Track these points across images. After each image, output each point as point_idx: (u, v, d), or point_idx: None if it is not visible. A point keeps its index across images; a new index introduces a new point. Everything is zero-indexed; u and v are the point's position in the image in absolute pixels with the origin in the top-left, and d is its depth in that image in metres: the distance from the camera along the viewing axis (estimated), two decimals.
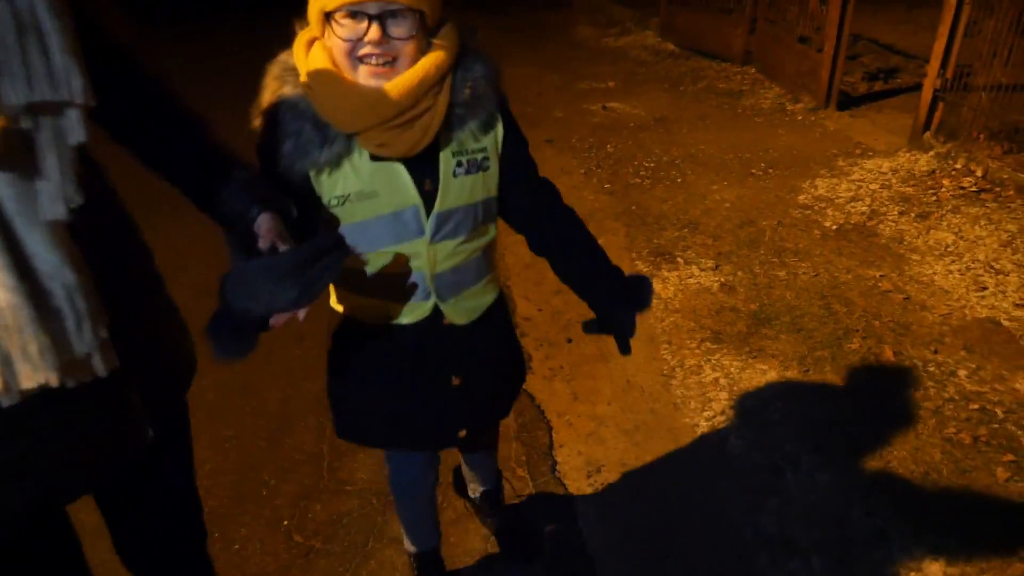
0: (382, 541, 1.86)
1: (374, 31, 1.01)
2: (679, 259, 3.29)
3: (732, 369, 2.50)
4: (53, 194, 0.72)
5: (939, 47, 4.24)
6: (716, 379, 2.45)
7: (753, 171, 4.32)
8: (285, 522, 1.92)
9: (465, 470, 1.81)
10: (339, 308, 1.30)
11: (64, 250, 0.74)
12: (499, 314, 1.40)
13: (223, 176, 0.98)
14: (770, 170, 4.33)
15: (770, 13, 6.72)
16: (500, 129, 1.19)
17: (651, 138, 5.02)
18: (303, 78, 1.07)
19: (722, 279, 3.10)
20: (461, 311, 1.28)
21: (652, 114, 5.62)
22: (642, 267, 3.23)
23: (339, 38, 1.03)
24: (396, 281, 1.20)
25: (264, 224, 0.95)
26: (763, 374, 2.47)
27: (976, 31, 4.17)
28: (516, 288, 3.13)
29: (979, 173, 3.83)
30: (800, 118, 5.36)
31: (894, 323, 2.77)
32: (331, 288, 1.29)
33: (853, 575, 1.73)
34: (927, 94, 4.35)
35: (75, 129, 0.73)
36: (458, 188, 1.17)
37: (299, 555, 1.82)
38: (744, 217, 3.69)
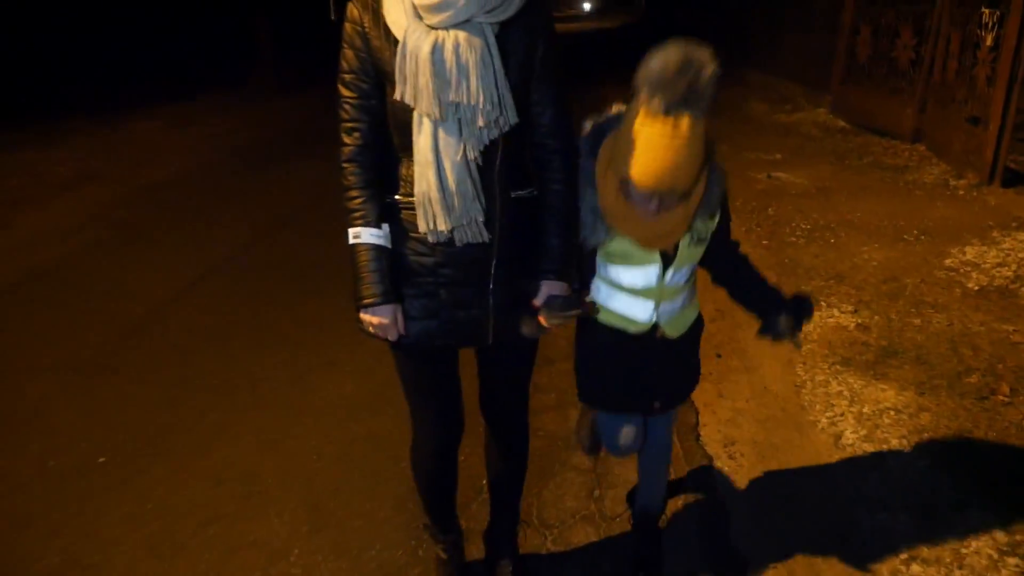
0: (565, 467, 2.56)
1: (655, 202, 1.56)
2: (822, 303, 3.78)
3: (856, 386, 2.99)
4: (465, 145, 1.51)
5: None
6: (840, 391, 2.95)
7: (905, 237, 4.70)
8: None
9: (639, 481, 2.21)
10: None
11: (467, 170, 1.51)
12: (696, 326, 1.94)
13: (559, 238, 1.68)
14: (922, 236, 4.69)
15: (941, 93, 7.00)
16: (718, 216, 1.76)
17: (811, 204, 5.50)
18: (605, 201, 1.66)
19: (859, 320, 3.57)
20: (674, 327, 1.84)
21: (815, 184, 6.09)
22: None
23: (626, 192, 1.59)
24: (635, 305, 1.79)
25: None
26: (882, 391, 2.93)
27: None
28: None
29: None
30: (962, 193, 5.62)
31: (1017, 367, 3.12)
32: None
33: (932, 529, 2.19)
34: None
35: (478, 121, 1.49)
36: (688, 254, 1.74)
37: None
38: (889, 274, 4.11)
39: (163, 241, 5.48)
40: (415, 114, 1.50)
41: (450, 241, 1.59)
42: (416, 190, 1.55)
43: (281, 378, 3.29)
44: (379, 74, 1.55)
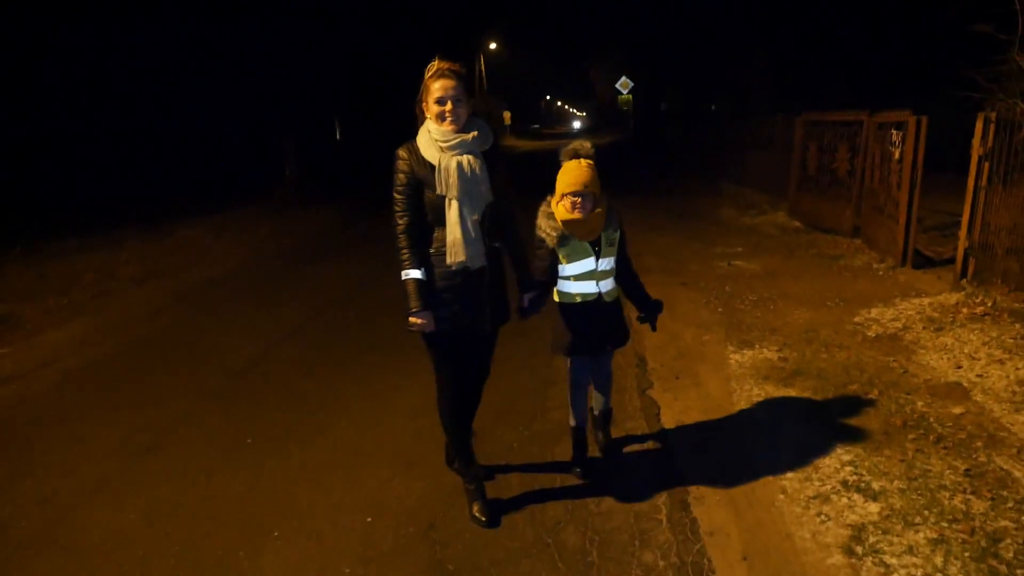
0: (566, 433, 3.80)
1: (579, 202, 3.10)
2: (756, 345, 5.10)
3: (769, 390, 4.27)
4: (477, 215, 2.90)
5: (966, 218, 5.93)
6: (759, 393, 4.24)
7: (828, 303, 6.07)
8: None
9: (593, 395, 3.64)
10: (556, 296, 3.34)
11: (476, 226, 2.88)
12: (619, 302, 3.42)
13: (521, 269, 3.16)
14: (841, 303, 6.05)
15: (870, 197, 8.56)
16: (620, 233, 3.30)
17: (759, 283, 6.90)
18: (557, 217, 3.16)
19: (781, 355, 4.88)
20: (609, 296, 3.32)
21: (765, 269, 7.52)
22: (731, 349, 5.06)
23: (565, 202, 3.14)
24: (585, 286, 3.26)
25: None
26: (787, 392, 4.22)
27: (994, 207, 5.83)
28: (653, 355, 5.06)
29: (988, 304, 5.37)
30: (881, 273, 7.03)
31: (888, 382, 4.40)
32: (556, 294, 3.34)
33: (801, 457, 3.43)
34: (960, 252, 5.98)
35: (481, 201, 2.91)
36: (606, 251, 3.25)
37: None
38: (809, 327, 5.45)
39: (237, 317, 6.82)
40: (447, 200, 2.84)
41: (464, 272, 2.87)
42: (448, 241, 2.85)
43: (364, 396, 4.56)
44: (419, 184, 2.86)
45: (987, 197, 5.85)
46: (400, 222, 2.88)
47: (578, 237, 3.18)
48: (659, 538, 2.91)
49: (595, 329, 3.31)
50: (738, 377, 4.55)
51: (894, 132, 7.74)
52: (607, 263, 3.28)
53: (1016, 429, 3.69)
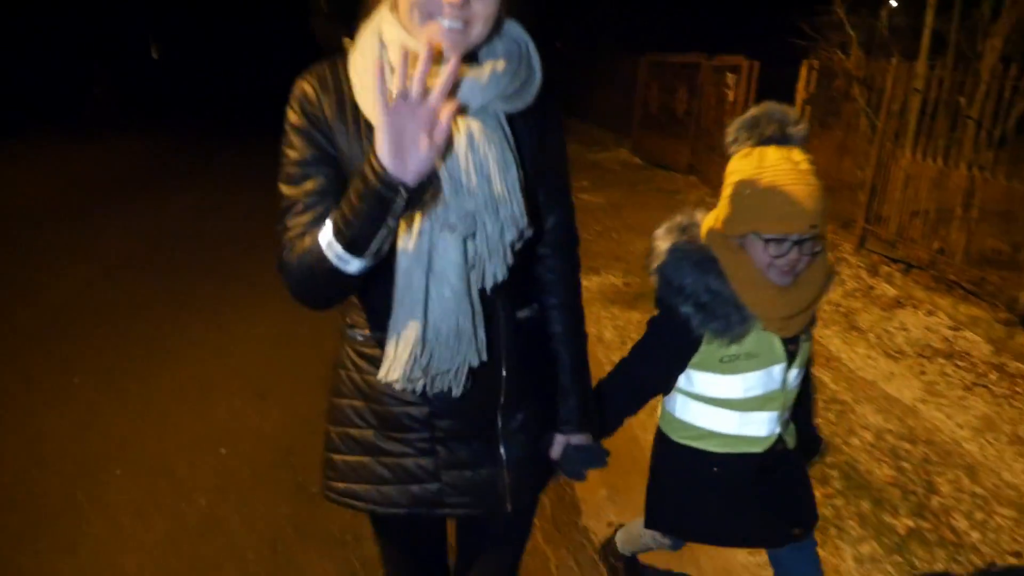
0: None
1: (796, 252, 1.39)
2: (602, 272, 5.35)
3: (616, 312, 4.53)
4: (475, 266, 1.11)
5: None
6: (606, 314, 4.47)
7: None
8: None
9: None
10: (673, 434, 1.65)
11: (468, 303, 1.11)
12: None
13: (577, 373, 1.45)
14: None
15: (706, 137, 9.08)
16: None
17: (604, 215, 7.18)
18: (726, 268, 1.46)
19: (625, 280, 5.16)
20: (791, 437, 1.66)
21: (609, 202, 7.83)
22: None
23: (768, 253, 1.39)
24: (755, 420, 1.56)
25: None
26: (631, 314, 4.49)
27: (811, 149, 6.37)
28: None
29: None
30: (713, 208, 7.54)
31: None
32: (670, 425, 1.69)
33: None
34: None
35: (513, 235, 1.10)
36: (804, 351, 1.58)
37: None
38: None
39: (52, 250, 6.10)
40: (404, 225, 1.08)
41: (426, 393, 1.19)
42: (392, 323, 1.13)
43: (209, 328, 4.33)
44: (336, 167, 1.13)
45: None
46: (284, 255, 1.14)
47: (765, 324, 1.51)
48: None
49: (769, 504, 1.64)
50: (587, 301, 4.68)
51: (729, 75, 8.22)
52: (797, 376, 1.62)
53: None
